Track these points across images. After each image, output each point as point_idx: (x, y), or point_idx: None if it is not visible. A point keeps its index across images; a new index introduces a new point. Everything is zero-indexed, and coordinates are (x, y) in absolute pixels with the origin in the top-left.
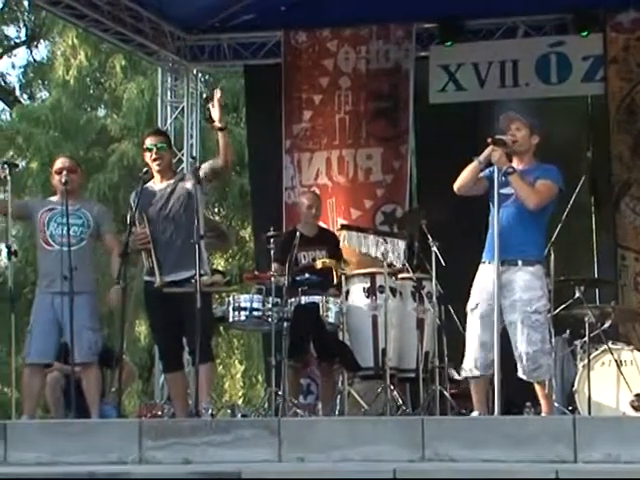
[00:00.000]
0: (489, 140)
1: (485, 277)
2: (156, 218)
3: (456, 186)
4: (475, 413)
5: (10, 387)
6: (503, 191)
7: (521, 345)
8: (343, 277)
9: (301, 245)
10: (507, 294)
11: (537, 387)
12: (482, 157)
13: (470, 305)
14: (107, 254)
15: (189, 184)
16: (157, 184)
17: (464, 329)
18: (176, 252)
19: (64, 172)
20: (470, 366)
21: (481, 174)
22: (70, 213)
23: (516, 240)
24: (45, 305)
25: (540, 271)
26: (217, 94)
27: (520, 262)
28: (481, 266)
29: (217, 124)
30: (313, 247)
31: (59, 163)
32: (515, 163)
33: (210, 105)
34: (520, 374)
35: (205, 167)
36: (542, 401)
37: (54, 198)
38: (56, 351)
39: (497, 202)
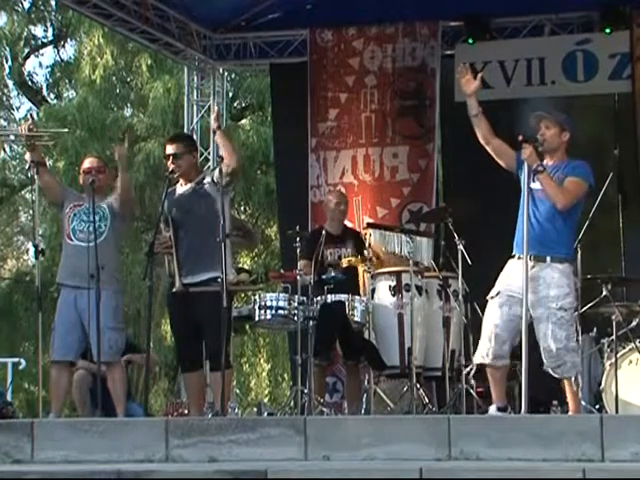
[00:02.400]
0: (520, 138)
1: (511, 270)
2: (178, 221)
3: (482, 141)
4: (492, 407)
5: (37, 385)
6: (535, 186)
7: (545, 341)
8: (369, 275)
9: (326, 242)
10: (534, 290)
11: (565, 384)
12: (469, 109)
13: (491, 293)
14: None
15: (207, 186)
16: (182, 187)
17: None
18: (195, 255)
19: (92, 172)
20: (482, 353)
21: (513, 153)
22: (89, 211)
23: (546, 237)
24: (68, 304)
25: (568, 269)
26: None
27: (549, 259)
28: (510, 260)
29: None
30: (339, 245)
31: (87, 163)
32: (546, 161)
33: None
34: (550, 371)
35: (217, 175)
36: (569, 399)
37: (83, 194)
38: (79, 349)
39: (526, 197)
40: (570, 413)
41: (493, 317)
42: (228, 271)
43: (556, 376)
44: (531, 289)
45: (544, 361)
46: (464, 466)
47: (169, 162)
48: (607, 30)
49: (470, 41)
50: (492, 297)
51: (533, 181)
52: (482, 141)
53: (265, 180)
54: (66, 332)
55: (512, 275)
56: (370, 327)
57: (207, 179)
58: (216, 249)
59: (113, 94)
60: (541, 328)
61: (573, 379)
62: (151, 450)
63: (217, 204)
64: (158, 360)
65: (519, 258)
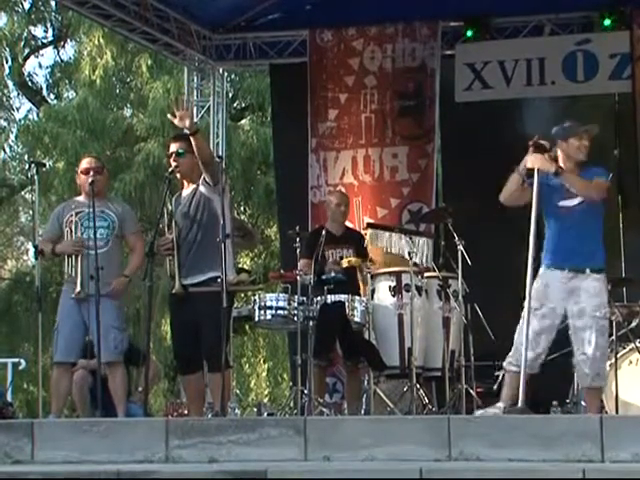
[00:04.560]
0: (530, 143)
1: (549, 281)
2: (180, 223)
3: (501, 198)
4: (499, 404)
5: (37, 386)
6: (565, 203)
7: (589, 349)
8: (369, 276)
9: (327, 243)
10: (576, 300)
11: (592, 393)
12: (521, 167)
13: (534, 304)
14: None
15: (203, 187)
16: (185, 189)
17: (490, 328)
18: (195, 256)
19: (91, 173)
20: (513, 360)
21: (526, 184)
22: (96, 215)
23: (584, 248)
24: (71, 305)
25: (604, 278)
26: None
27: (588, 270)
28: (543, 270)
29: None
30: (339, 245)
31: (86, 163)
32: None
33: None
34: (581, 382)
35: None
36: (591, 408)
37: (79, 198)
38: (81, 350)
39: (535, 206)
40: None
41: (533, 328)
42: (228, 271)
43: (594, 386)
44: (572, 300)
45: (581, 374)
46: (464, 467)
47: (171, 160)
48: (606, 24)
49: (470, 41)
50: (536, 309)
51: (564, 199)
52: (504, 198)
53: (265, 180)
54: (69, 333)
55: (551, 287)
56: (370, 327)
57: (203, 181)
58: (216, 250)
59: (113, 94)
60: (585, 337)
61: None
62: (151, 450)
63: (214, 204)
64: (161, 368)
65: (555, 269)
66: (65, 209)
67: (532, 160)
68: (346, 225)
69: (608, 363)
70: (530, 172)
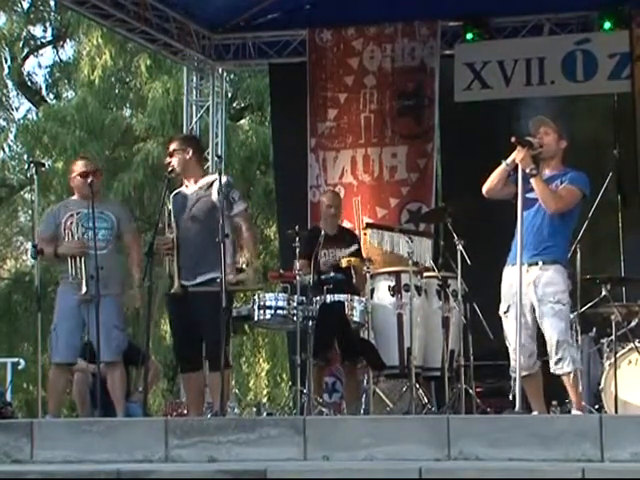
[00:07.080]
0: (513, 139)
1: (511, 280)
2: (181, 224)
3: (484, 189)
4: (534, 413)
5: (36, 386)
6: (529, 195)
7: (548, 335)
8: (368, 275)
9: (322, 243)
10: (534, 291)
11: (565, 380)
12: (509, 160)
13: (502, 309)
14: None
15: (215, 196)
16: (186, 188)
17: (489, 327)
18: (196, 258)
19: (89, 175)
20: (512, 368)
21: (509, 179)
22: (95, 216)
23: (538, 243)
24: (71, 306)
25: (561, 269)
26: None
27: (541, 262)
28: (505, 269)
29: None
30: (334, 246)
31: (82, 166)
32: (542, 168)
33: None
34: (551, 369)
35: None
36: (571, 395)
37: (74, 198)
38: (80, 350)
39: (521, 203)
40: (573, 409)
41: (513, 331)
42: (228, 271)
43: (558, 373)
44: (531, 293)
45: (549, 359)
46: (463, 466)
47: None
48: (606, 26)
49: (469, 41)
50: (505, 312)
51: (530, 191)
52: (487, 190)
53: (264, 180)
54: (69, 334)
55: (514, 286)
56: (369, 327)
57: (214, 193)
58: (216, 251)
59: (112, 94)
60: (544, 324)
61: (572, 375)
62: (150, 450)
63: (219, 212)
64: (161, 369)
65: (513, 266)
66: (61, 210)
67: (517, 155)
68: (339, 225)
69: (607, 363)
70: (516, 166)
